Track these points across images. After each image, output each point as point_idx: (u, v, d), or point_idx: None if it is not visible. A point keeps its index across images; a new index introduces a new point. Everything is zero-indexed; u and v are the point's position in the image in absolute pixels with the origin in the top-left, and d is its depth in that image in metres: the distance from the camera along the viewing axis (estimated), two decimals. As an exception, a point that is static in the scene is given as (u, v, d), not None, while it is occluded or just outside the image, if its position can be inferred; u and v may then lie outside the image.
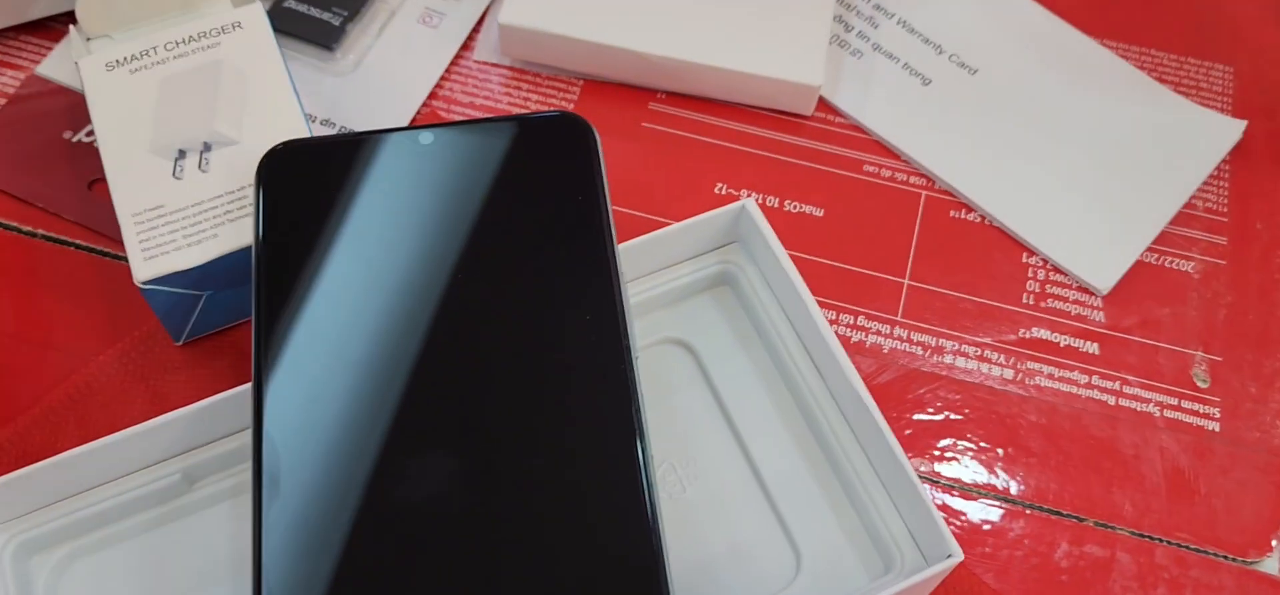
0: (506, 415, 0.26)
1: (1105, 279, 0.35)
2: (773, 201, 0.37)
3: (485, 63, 0.41)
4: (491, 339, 0.27)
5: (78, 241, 0.35)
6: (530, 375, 0.26)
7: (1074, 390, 0.34)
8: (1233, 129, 0.39)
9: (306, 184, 0.29)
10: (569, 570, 0.24)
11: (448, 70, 0.40)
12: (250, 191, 0.31)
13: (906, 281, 0.36)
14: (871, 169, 0.38)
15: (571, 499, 0.25)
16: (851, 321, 0.35)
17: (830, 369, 0.30)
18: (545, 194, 0.29)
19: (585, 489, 0.25)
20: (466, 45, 0.41)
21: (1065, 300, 0.36)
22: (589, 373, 0.26)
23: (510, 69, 0.41)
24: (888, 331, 0.35)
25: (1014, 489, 0.32)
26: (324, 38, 0.39)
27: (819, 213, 0.37)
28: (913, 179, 0.38)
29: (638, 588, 0.24)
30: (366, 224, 0.28)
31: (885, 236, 0.37)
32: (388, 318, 0.27)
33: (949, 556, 0.27)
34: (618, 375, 0.26)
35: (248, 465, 0.29)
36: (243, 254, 0.31)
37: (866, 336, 0.35)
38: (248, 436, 0.29)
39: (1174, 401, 0.34)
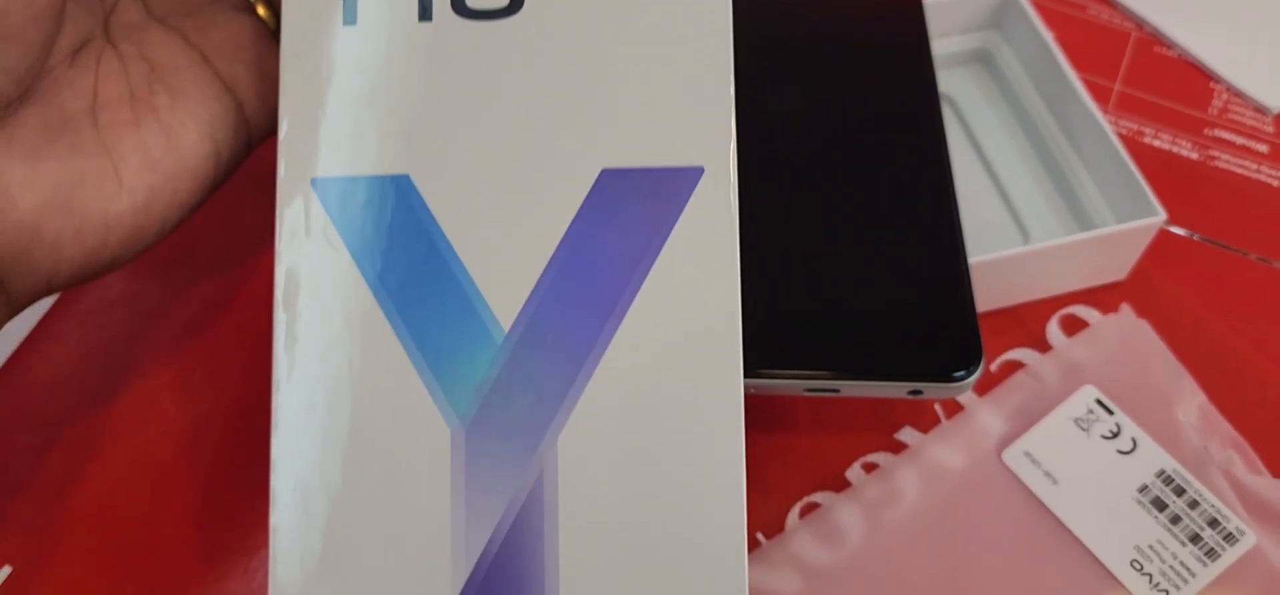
0: (860, 133, 0.37)
1: (1277, 99, 0.46)
2: (1013, 24, 0.48)
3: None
4: (852, 89, 0.38)
5: None
6: (880, 109, 0.38)
7: (1245, 173, 0.44)
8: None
9: None
10: (895, 239, 0.34)
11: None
12: None
13: (1116, 86, 0.46)
14: (1093, 12, 0.49)
15: (897, 193, 0.35)
16: (1072, 106, 0.46)
17: (1067, 100, 0.41)
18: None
19: (905, 187, 0.36)
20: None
21: (1242, 115, 0.46)
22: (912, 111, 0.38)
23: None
24: (1100, 116, 0.45)
25: (1186, 223, 0.42)
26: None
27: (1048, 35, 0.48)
28: (1125, 23, 0.49)
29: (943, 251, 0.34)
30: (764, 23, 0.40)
31: (1102, 57, 0.48)
32: (779, 71, 0.39)
33: (1153, 216, 0.37)
34: (933, 112, 0.37)
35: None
36: None
37: (1083, 117, 0.45)
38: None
39: (1325, 189, 0.43)
